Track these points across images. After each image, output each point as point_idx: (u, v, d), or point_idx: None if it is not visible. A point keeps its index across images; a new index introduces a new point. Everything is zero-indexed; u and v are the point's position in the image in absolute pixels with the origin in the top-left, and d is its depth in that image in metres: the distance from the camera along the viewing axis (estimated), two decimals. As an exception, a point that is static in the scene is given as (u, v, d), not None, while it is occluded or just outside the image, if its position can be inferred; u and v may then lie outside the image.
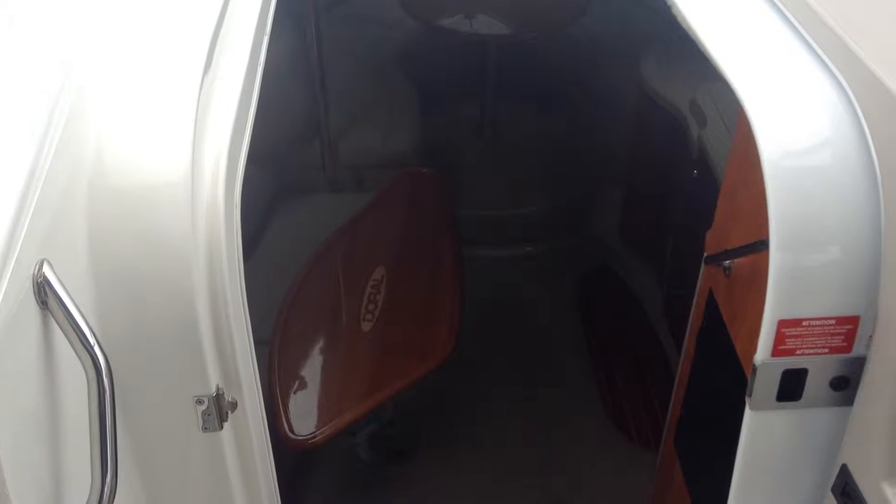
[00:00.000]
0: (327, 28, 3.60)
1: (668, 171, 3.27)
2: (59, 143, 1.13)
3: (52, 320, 1.05)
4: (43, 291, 1.03)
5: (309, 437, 2.51)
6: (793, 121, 1.28)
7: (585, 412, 3.27)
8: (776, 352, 1.28)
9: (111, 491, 1.05)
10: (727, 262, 1.70)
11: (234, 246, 1.25)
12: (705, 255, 1.88)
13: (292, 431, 2.51)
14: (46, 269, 1.03)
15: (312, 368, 2.76)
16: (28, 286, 1.01)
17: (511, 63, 4.05)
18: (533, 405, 3.31)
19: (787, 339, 1.26)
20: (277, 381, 2.66)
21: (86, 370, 1.06)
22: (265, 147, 3.33)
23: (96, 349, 1.05)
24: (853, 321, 1.25)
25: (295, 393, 2.65)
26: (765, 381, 1.30)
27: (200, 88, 1.24)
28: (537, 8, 3.73)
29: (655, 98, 3.21)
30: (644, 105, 3.35)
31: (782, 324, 1.25)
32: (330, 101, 3.62)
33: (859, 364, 1.28)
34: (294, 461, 3.02)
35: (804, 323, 1.25)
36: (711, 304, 1.86)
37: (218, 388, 1.26)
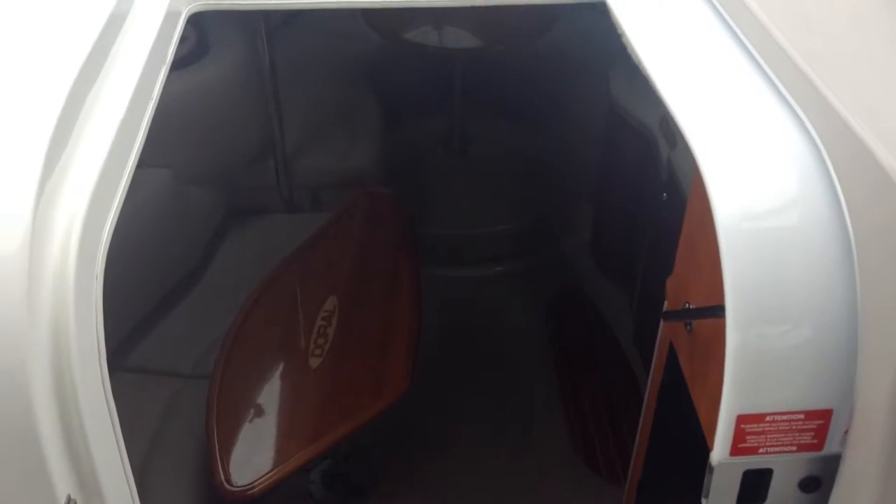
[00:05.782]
0: (284, 42, 3.42)
1: (638, 191, 3.10)
2: None
3: None
4: None
5: (247, 487, 2.33)
6: (754, 177, 1.10)
7: (553, 444, 3.09)
8: (735, 450, 1.09)
9: None
10: (688, 318, 1.52)
11: (92, 327, 1.05)
12: (664, 310, 1.70)
13: (229, 482, 2.33)
14: None
15: (254, 410, 2.57)
16: None
17: (479, 77, 3.89)
18: (499, 437, 3.13)
19: (748, 437, 1.08)
20: (215, 423, 2.48)
21: None
22: (215, 167, 3.16)
23: None
24: (825, 415, 1.07)
25: (233, 437, 2.47)
26: (723, 483, 1.11)
27: (50, 142, 1.05)
28: (504, 21, 3.56)
29: (625, 116, 3.05)
30: (613, 122, 3.19)
31: (742, 419, 1.06)
32: (286, 117, 3.43)
33: (833, 463, 1.09)
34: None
35: (767, 418, 1.07)
36: (673, 360, 1.68)
37: (69, 499, 1.06)
